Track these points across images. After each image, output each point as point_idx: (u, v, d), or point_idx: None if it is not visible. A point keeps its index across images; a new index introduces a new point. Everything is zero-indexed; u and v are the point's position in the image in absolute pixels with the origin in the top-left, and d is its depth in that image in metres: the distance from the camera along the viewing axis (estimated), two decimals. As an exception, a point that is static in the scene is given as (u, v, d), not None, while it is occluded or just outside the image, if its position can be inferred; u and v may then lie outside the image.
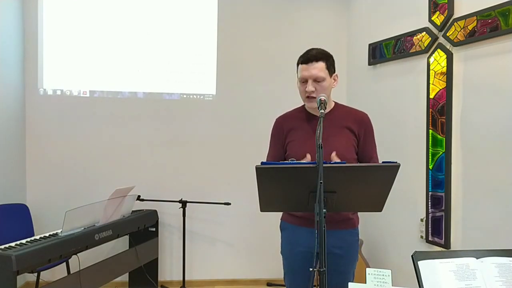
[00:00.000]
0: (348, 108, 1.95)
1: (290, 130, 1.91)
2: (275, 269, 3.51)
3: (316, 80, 1.79)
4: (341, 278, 1.80)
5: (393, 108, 3.29)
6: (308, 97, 1.82)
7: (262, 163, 1.44)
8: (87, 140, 3.73)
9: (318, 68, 1.79)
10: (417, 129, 3.00)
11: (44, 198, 3.65)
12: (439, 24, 2.81)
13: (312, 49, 1.85)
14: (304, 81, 1.82)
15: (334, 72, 1.87)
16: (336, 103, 1.93)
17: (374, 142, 1.92)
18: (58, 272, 3.24)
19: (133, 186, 3.10)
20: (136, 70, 3.78)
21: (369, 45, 3.53)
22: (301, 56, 1.86)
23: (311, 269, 1.29)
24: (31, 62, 3.65)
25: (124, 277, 3.48)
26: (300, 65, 1.84)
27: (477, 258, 1.33)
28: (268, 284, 3.88)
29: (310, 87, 1.79)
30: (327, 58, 1.83)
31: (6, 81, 3.36)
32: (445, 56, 2.75)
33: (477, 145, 2.56)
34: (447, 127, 2.73)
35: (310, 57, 1.81)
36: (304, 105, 1.96)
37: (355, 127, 1.86)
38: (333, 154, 1.69)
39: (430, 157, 2.87)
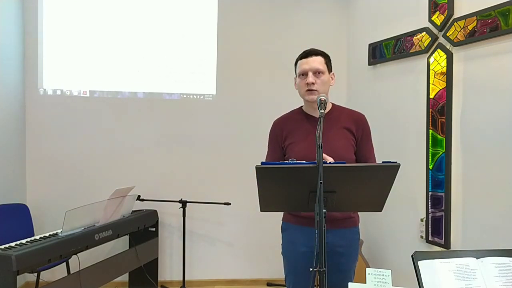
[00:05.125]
0: (345, 109, 1.96)
1: (289, 132, 1.91)
2: (275, 269, 3.52)
3: (316, 73, 1.83)
4: (342, 276, 1.81)
5: (393, 108, 3.29)
6: (308, 90, 1.84)
7: (262, 163, 1.44)
8: (87, 140, 3.73)
9: (318, 61, 1.85)
10: (417, 129, 3.00)
11: (44, 198, 3.65)
12: (439, 24, 2.81)
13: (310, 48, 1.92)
14: (304, 74, 1.86)
15: (332, 70, 1.92)
16: (333, 104, 1.94)
17: (371, 143, 1.93)
18: (58, 272, 3.25)
19: (133, 186, 3.10)
20: (136, 70, 3.78)
21: (369, 45, 3.53)
22: (299, 55, 1.91)
23: (310, 269, 1.29)
24: (31, 62, 3.65)
25: (124, 277, 3.48)
26: (299, 61, 1.90)
27: (477, 258, 1.33)
28: (268, 284, 3.88)
29: (310, 78, 1.82)
30: (325, 55, 1.91)
31: (6, 81, 3.36)
32: (445, 56, 2.74)
33: (477, 145, 2.56)
34: (447, 127, 2.73)
35: (309, 51, 1.88)
36: (302, 106, 1.97)
37: (354, 128, 1.87)
38: (330, 159, 1.65)
39: (430, 157, 2.86)
